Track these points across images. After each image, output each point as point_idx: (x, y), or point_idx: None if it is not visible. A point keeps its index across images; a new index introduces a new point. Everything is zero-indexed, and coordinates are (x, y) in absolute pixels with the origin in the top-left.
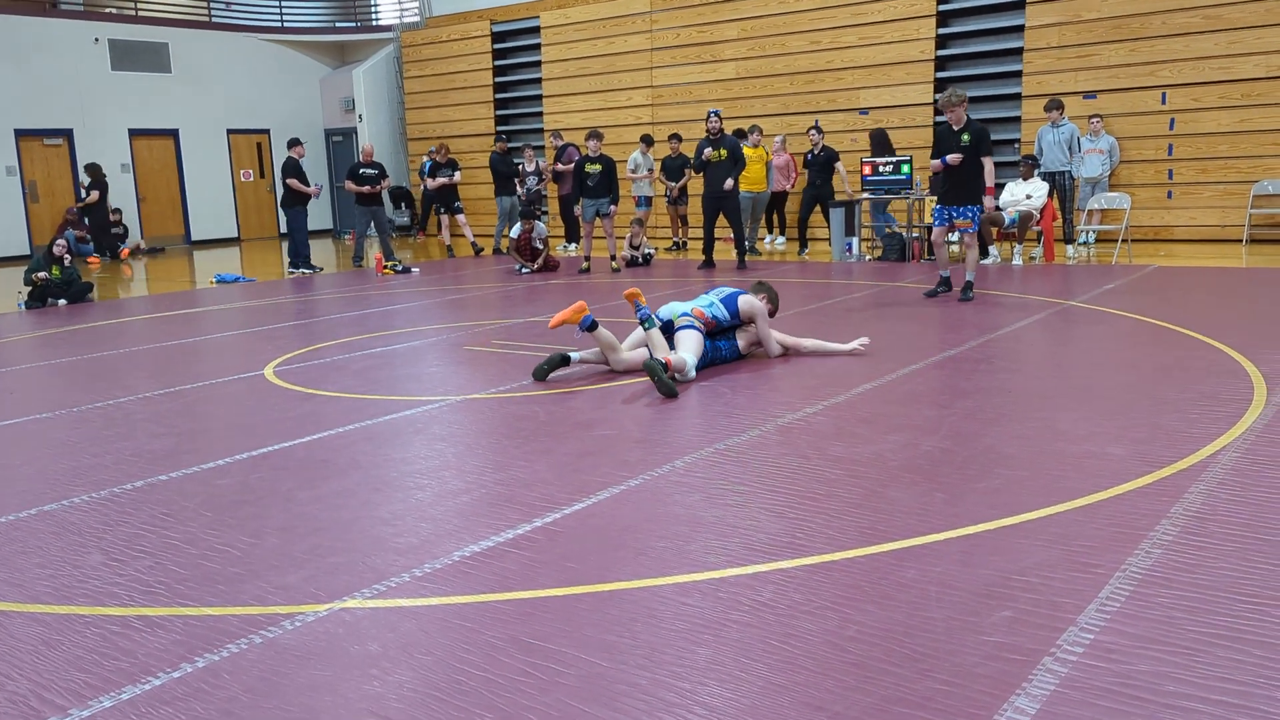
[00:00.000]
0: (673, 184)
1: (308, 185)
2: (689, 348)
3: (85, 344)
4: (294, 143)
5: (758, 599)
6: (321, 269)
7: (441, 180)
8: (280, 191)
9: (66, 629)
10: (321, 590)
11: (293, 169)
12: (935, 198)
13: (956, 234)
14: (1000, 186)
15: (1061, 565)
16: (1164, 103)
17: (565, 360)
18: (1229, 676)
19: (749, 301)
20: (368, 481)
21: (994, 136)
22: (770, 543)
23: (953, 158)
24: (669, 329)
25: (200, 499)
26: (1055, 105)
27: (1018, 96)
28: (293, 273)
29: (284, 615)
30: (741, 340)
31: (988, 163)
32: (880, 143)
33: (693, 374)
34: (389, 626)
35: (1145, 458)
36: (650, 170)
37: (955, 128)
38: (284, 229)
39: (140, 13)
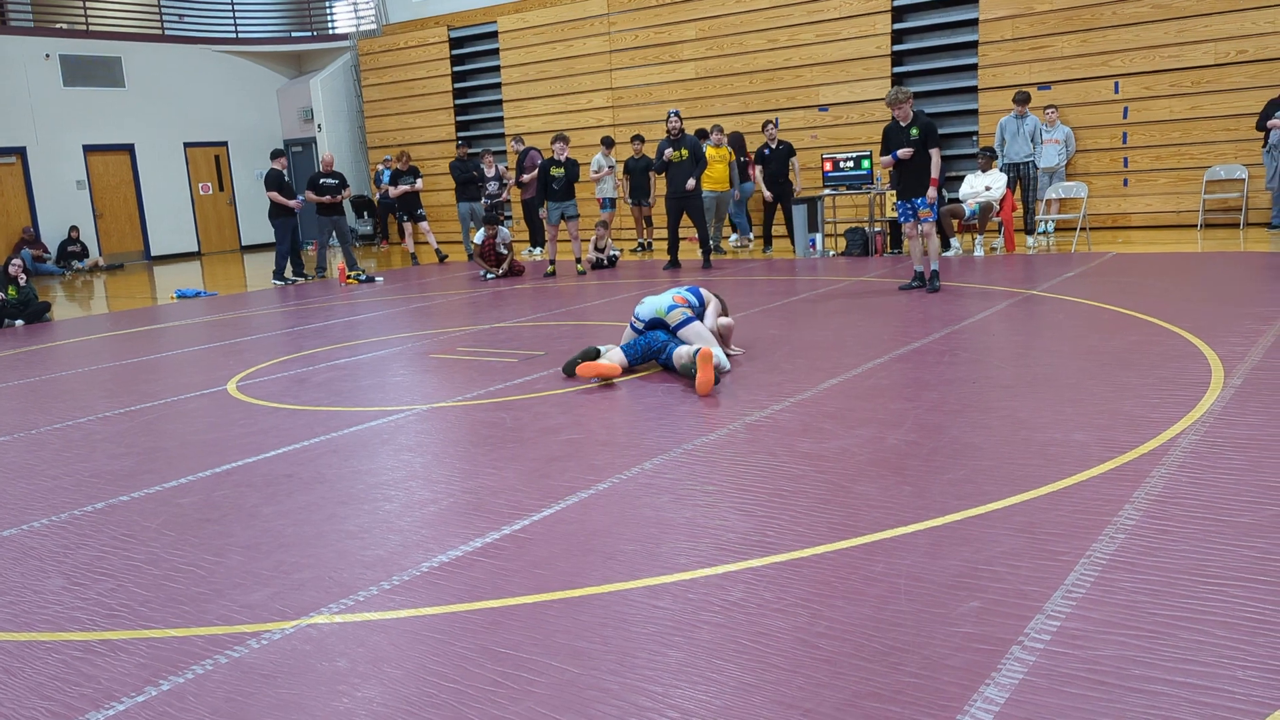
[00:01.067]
0: (626, 191)
1: (290, 197)
2: (705, 337)
3: (43, 364)
4: (276, 154)
5: (728, 599)
6: (287, 282)
7: (404, 187)
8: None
9: (27, 656)
10: (288, 607)
11: (275, 181)
12: (892, 192)
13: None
14: (960, 178)
15: (1028, 553)
16: (1117, 92)
17: (596, 354)
18: (1192, 658)
19: (707, 292)
20: (334, 495)
21: (952, 129)
22: (740, 542)
23: (903, 152)
24: (658, 326)
25: (162, 519)
26: (1023, 99)
27: (973, 89)
28: (290, 281)
29: (250, 634)
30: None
31: (935, 155)
32: (736, 145)
33: (728, 365)
34: (357, 641)
35: (1107, 443)
36: (611, 168)
37: (903, 124)
38: (243, 242)
39: (91, 27)
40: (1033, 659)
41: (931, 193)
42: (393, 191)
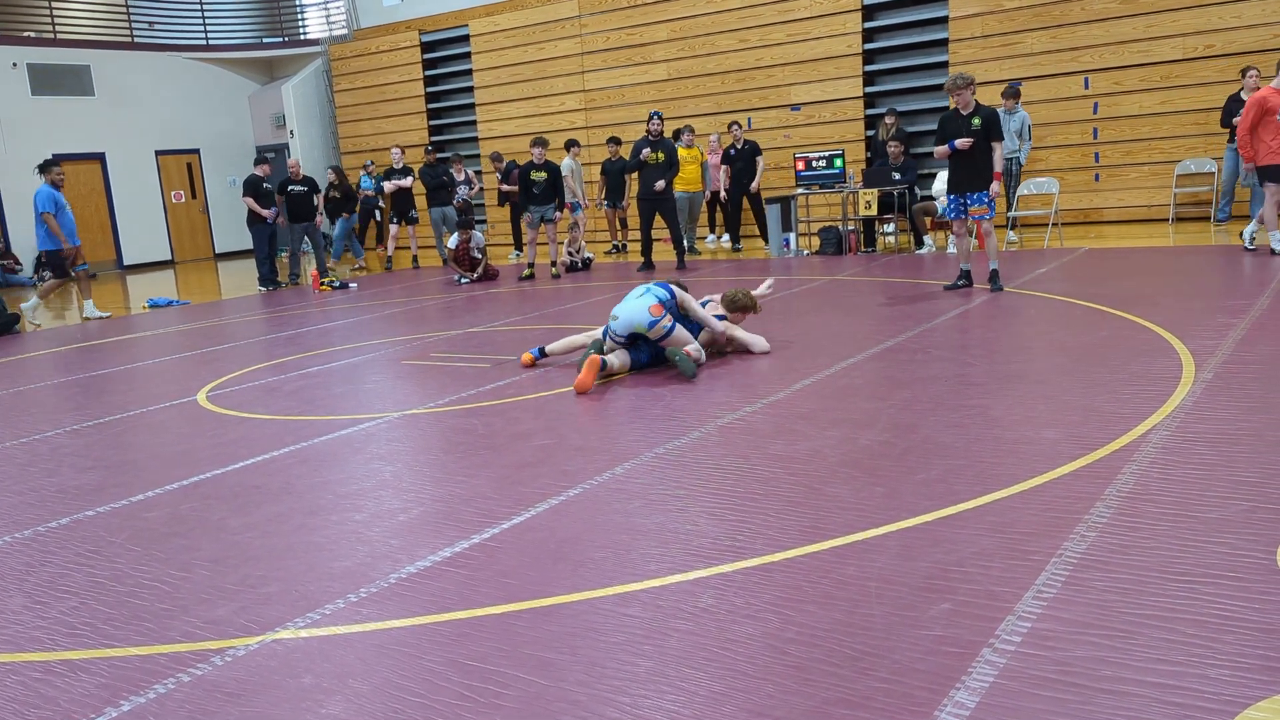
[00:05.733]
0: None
1: (265, 206)
2: (684, 336)
3: (10, 377)
4: (258, 160)
5: (698, 605)
6: (275, 286)
7: (397, 183)
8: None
9: None
10: (253, 622)
11: (251, 187)
12: (865, 190)
13: (890, 225)
14: (932, 176)
15: (999, 553)
16: (1087, 87)
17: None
18: (1163, 657)
19: (675, 288)
20: (302, 506)
21: (923, 127)
22: (711, 547)
23: (961, 142)
24: (634, 341)
25: (128, 534)
26: (1012, 93)
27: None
28: (277, 285)
29: (213, 651)
30: (704, 336)
31: (997, 148)
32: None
33: (703, 356)
34: (323, 656)
35: (1078, 440)
36: (577, 176)
37: (964, 112)
38: (217, 250)
39: (59, 35)
40: (1003, 661)
41: (994, 188)
42: (387, 186)
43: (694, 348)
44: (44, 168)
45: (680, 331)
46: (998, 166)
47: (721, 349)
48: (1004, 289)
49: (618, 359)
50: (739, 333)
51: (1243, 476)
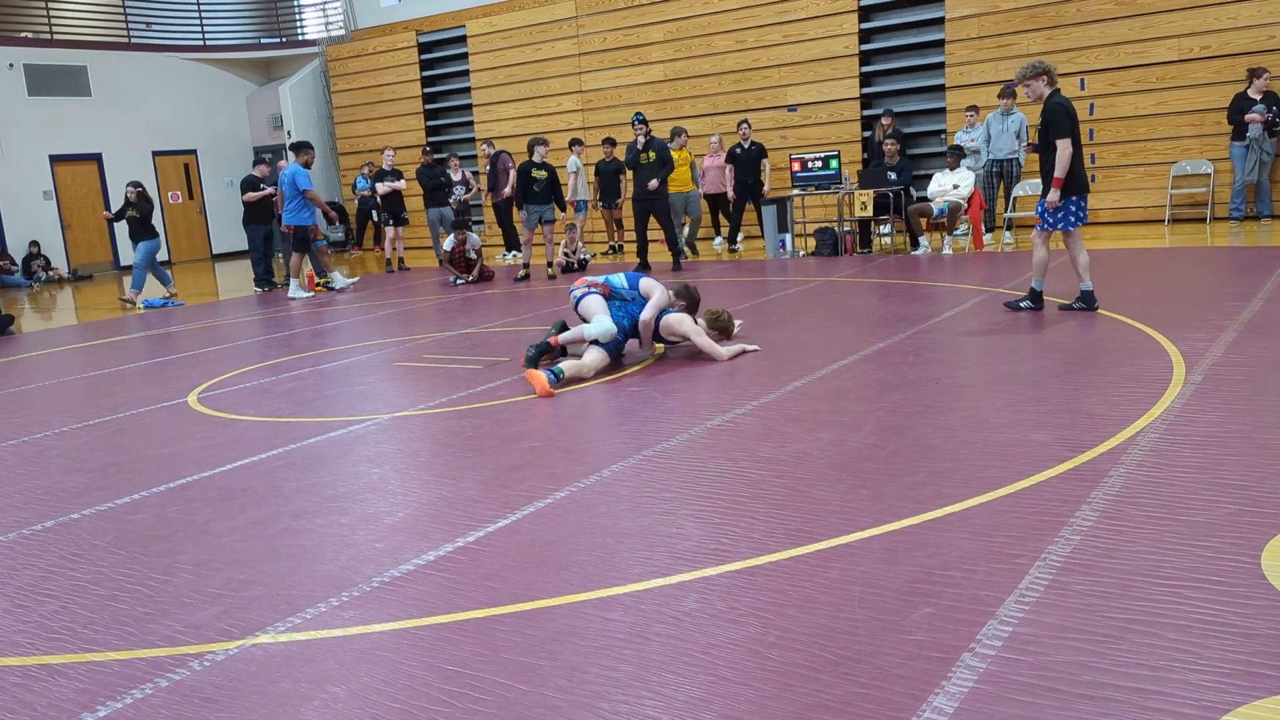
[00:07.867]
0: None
1: (265, 200)
2: (596, 308)
3: (3, 378)
4: (256, 161)
5: (681, 609)
6: (270, 287)
7: (390, 184)
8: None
9: None
10: (234, 626)
11: (250, 186)
12: (861, 191)
13: (885, 226)
14: (928, 177)
15: (983, 557)
16: (1083, 89)
17: (548, 348)
18: (1144, 662)
19: (649, 283)
20: (288, 509)
21: (920, 128)
22: (695, 550)
23: (1026, 145)
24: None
25: (112, 537)
26: (1008, 93)
27: (941, 88)
28: (272, 286)
29: (192, 655)
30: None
31: (1059, 147)
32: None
33: (611, 327)
34: (303, 661)
35: (1067, 443)
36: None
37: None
38: (214, 250)
39: (56, 36)
40: (984, 666)
41: (1052, 195)
42: (380, 188)
43: (594, 327)
44: (299, 149)
45: (594, 300)
46: (1057, 170)
47: (665, 339)
48: (1074, 309)
49: (588, 357)
50: (697, 335)
51: (1229, 480)
